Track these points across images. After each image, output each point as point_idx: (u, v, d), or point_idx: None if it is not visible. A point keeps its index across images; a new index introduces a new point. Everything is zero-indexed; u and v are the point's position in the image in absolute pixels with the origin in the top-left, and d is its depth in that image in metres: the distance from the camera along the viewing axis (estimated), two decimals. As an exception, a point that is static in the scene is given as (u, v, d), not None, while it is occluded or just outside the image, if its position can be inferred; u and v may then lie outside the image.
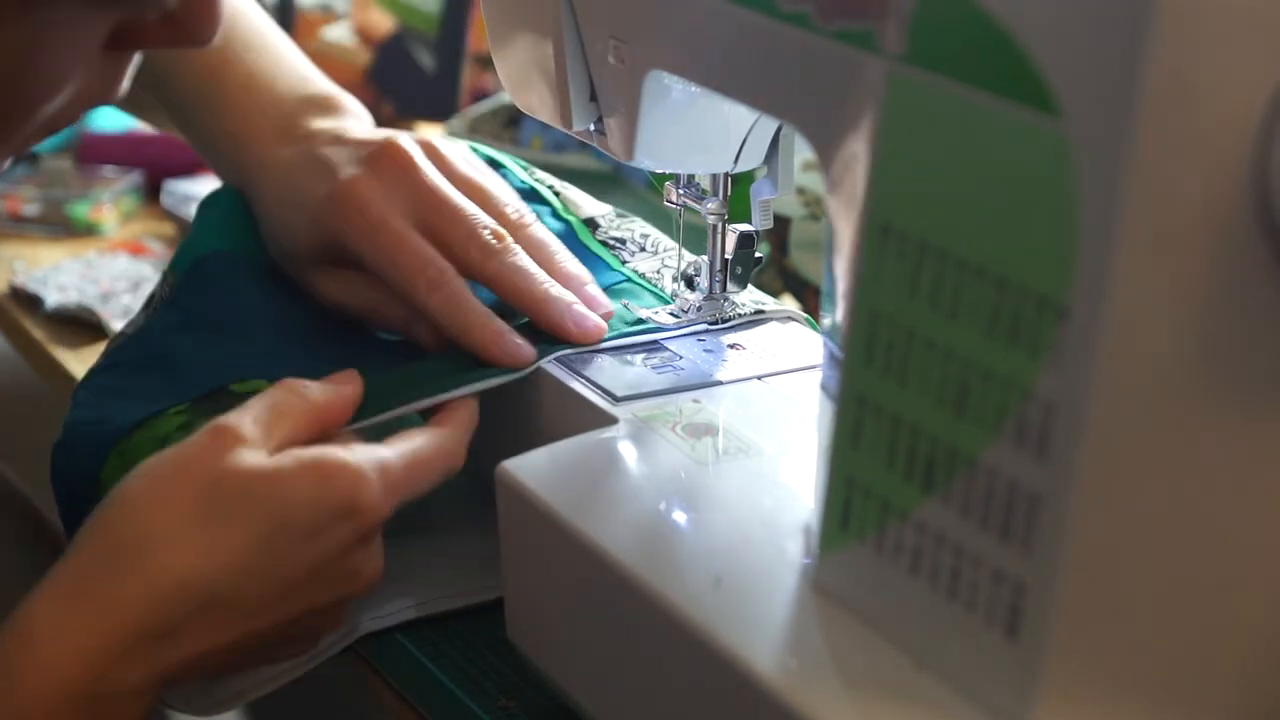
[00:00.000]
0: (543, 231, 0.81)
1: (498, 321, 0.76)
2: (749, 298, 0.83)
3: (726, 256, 0.80)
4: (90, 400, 0.80)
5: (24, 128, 0.62)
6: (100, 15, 0.59)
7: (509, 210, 0.81)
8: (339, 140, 0.82)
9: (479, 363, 0.76)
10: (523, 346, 0.76)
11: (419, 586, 0.79)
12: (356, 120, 0.85)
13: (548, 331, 0.77)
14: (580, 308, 0.78)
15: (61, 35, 0.58)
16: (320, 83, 0.88)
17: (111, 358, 0.83)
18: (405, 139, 0.81)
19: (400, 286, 0.78)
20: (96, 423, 0.77)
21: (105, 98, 0.63)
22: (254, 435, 0.67)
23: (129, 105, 0.92)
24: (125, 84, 0.63)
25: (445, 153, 0.82)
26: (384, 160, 0.79)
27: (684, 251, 0.83)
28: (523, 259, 0.78)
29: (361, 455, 0.68)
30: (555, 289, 0.78)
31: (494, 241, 0.78)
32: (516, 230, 0.79)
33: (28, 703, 0.62)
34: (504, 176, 0.87)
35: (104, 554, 0.65)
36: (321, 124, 0.84)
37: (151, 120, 0.98)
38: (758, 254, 0.81)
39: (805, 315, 0.83)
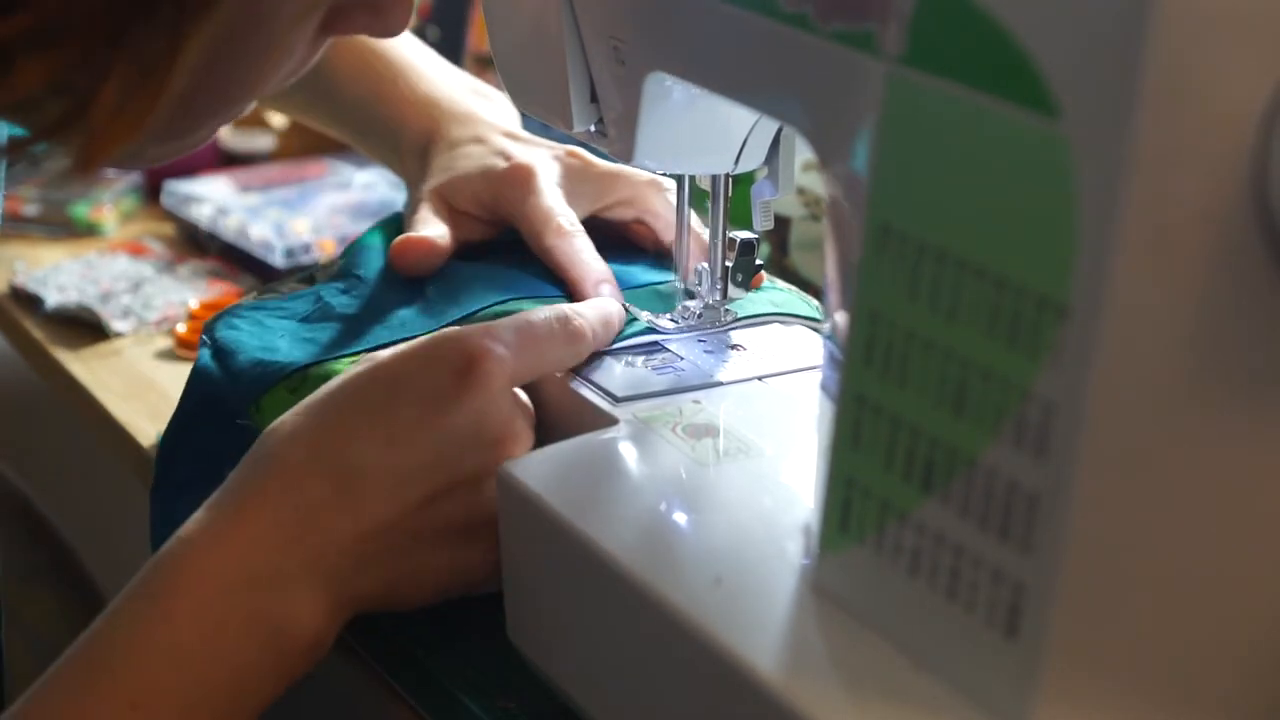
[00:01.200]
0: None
1: (605, 268, 0.83)
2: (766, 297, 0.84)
3: (727, 264, 0.80)
4: (253, 330, 0.82)
5: (242, 106, 0.67)
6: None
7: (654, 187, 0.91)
8: (495, 127, 0.94)
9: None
10: (615, 306, 0.80)
11: None
12: (510, 112, 0.96)
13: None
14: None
15: (292, 17, 0.63)
16: (463, 75, 1.01)
17: (269, 306, 0.86)
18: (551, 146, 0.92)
19: (535, 229, 0.86)
20: (265, 351, 0.80)
21: (291, 79, 0.68)
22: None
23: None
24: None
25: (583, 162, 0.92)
26: (550, 154, 0.91)
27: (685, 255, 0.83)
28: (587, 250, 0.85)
29: (466, 328, 0.72)
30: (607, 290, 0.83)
31: (567, 230, 0.86)
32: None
33: (194, 597, 0.65)
34: None
35: (246, 471, 0.69)
36: (478, 106, 0.96)
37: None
38: (758, 261, 0.81)
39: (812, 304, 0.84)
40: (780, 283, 0.87)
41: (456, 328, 0.73)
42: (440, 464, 0.68)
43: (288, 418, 0.70)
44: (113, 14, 0.56)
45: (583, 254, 0.84)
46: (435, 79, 0.99)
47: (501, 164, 0.89)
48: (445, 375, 0.69)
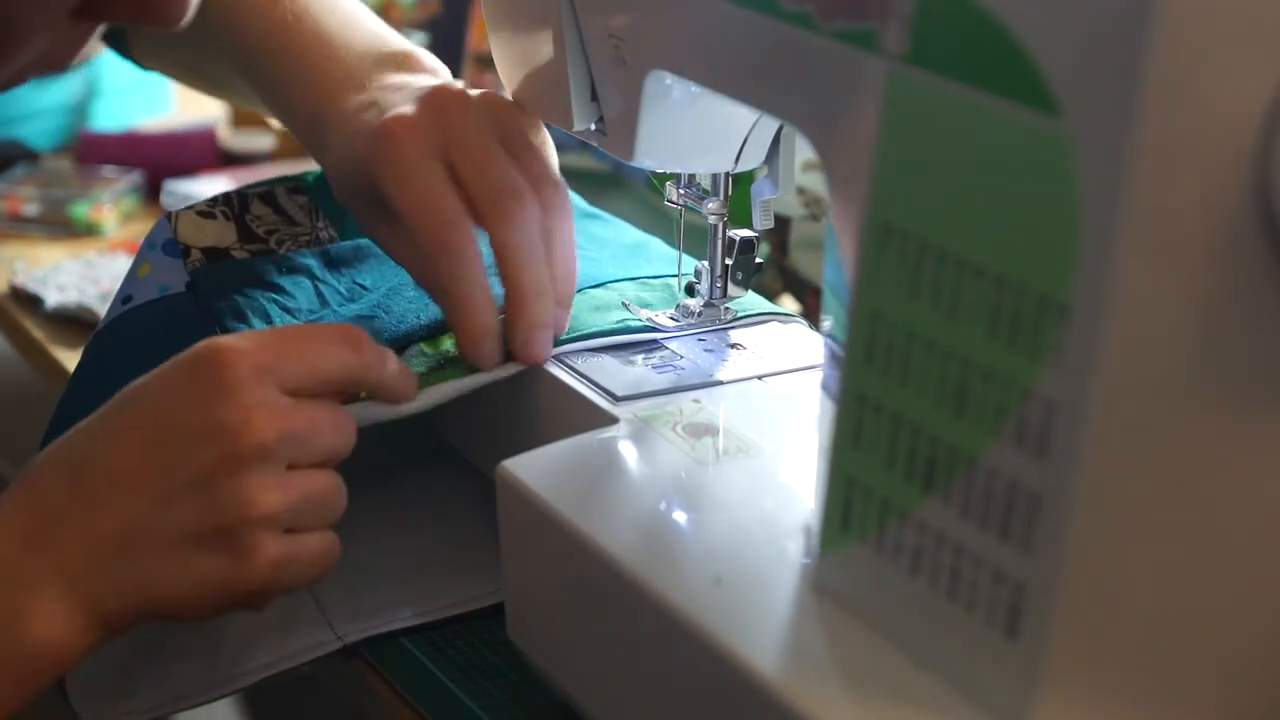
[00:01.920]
0: (565, 217, 0.78)
1: (491, 318, 0.74)
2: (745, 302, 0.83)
3: (727, 262, 0.80)
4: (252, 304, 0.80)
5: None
6: None
7: (547, 178, 0.77)
8: (403, 89, 0.79)
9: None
10: (492, 356, 0.75)
11: (416, 593, 0.78)
12: (433, 77, 0.82)
13: (505, 328, 0.76)
14: (544, 334, 0.76)
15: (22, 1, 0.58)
16: (396, 40, 0.85)
17: (273, 297, 0.82)
18: (462, 85, 0.78)
19: (416, 235, 0.74)
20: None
21: (62, 65, 0.62)
22: None
23: (177, 66, 0.93)
24: (89, 51, 0.62)
25: (504, 106, 0.79)
26: (430, 99, 0.76)
27: (684, 257, 0.83)
28: (531, 241, 0.75)
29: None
30: (540, 296, 0.75)
31: (514, 206, 0.74)
32: (549, 203, 0.76)
33: None
34: None
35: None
36: (395, 78, 0.81)
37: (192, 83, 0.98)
38: (758, 259, 0.81)
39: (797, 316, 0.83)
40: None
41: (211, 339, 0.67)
42: (165, 462, 0.64)
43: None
44: None
45: (467, 290, 0.74)
46: (337, 30, 0.84)
47: (370, 130, 0.76)
48: (181, 370, 0.65)
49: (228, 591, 0.66)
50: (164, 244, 0.84)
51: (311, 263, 0.84)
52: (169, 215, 0.85)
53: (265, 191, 0.87)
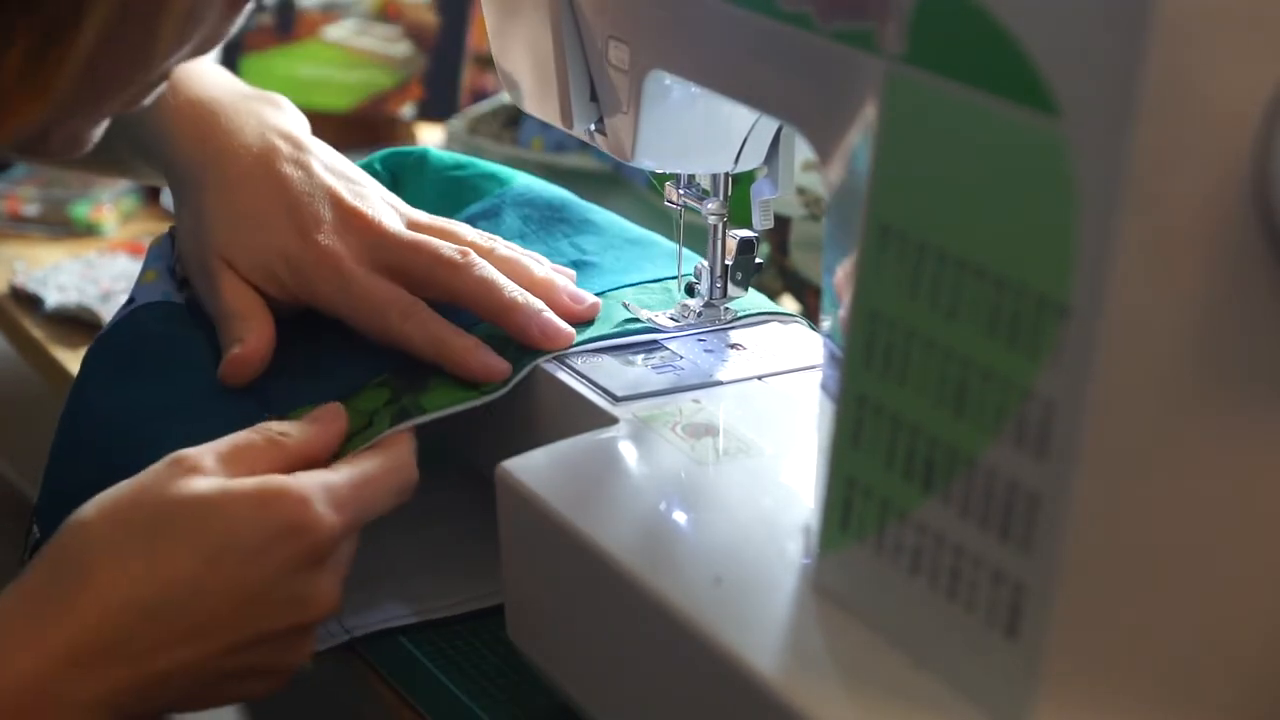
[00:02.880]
0: (512, 249, 0.82)
1: (469, 337, 0.77)
2: (745, 302, 0.83)
3: (727, 262, 0.80)
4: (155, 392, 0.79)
5: (150, 76, 0.64)
6: None
7: (473, 237, 0.81)
8: (305, 168, 0.81)
9: (460, 383, 0.76)
10: (495, 359, 0.76)
11: (416, 592, 0.79)
12: (300, 120, 0.85)
13: (517, 340, 0.77)
14: (548, 315, 0.78)
15: None
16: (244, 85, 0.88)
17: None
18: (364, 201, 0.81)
19: (375, 325, 0.78)
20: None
21: (207, 47, 0.65)
22: (211, 467, 0.68)
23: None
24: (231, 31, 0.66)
25: (397, 203, 0.83)
26: (350, 220, 0.80)
27: (684, 258, 0.83)
28: (488, 271, 0.78)
29: (305, 479, 0.68)
30: (522, 296, 0.78)
31: (459, 258, 0.78)
32: (486, 254, 0.80)
33: None
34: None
35: (57, 570, 0.66)
36: (276, 124, 0.83)
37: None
38: (758, 259, 0.81)
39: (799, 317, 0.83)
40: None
41: (290, 480, 0.68)
42: (248, 620, 0.67)
43: (98, 523, 0.67)
44: None
45: (432, 329, 0.78)
46: (210, 79, 0.86)
47: (291, 237, 0.79)
48: (273, 535, 0.67)
49: (236, 702, 0.72)
50: (169, 267, 0.84)
51: None
52: (172, 237, 0.85)
53: None
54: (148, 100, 0.68)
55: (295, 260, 0.79)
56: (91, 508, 0.67)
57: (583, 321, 0.79)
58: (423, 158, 0.92)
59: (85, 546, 0.66)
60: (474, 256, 0.79)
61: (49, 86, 0.57)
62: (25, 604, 0.65)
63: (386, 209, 0.81)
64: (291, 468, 0.70)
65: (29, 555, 0.76)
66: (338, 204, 0.80)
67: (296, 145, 0.82)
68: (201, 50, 0.65)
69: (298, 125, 0.84)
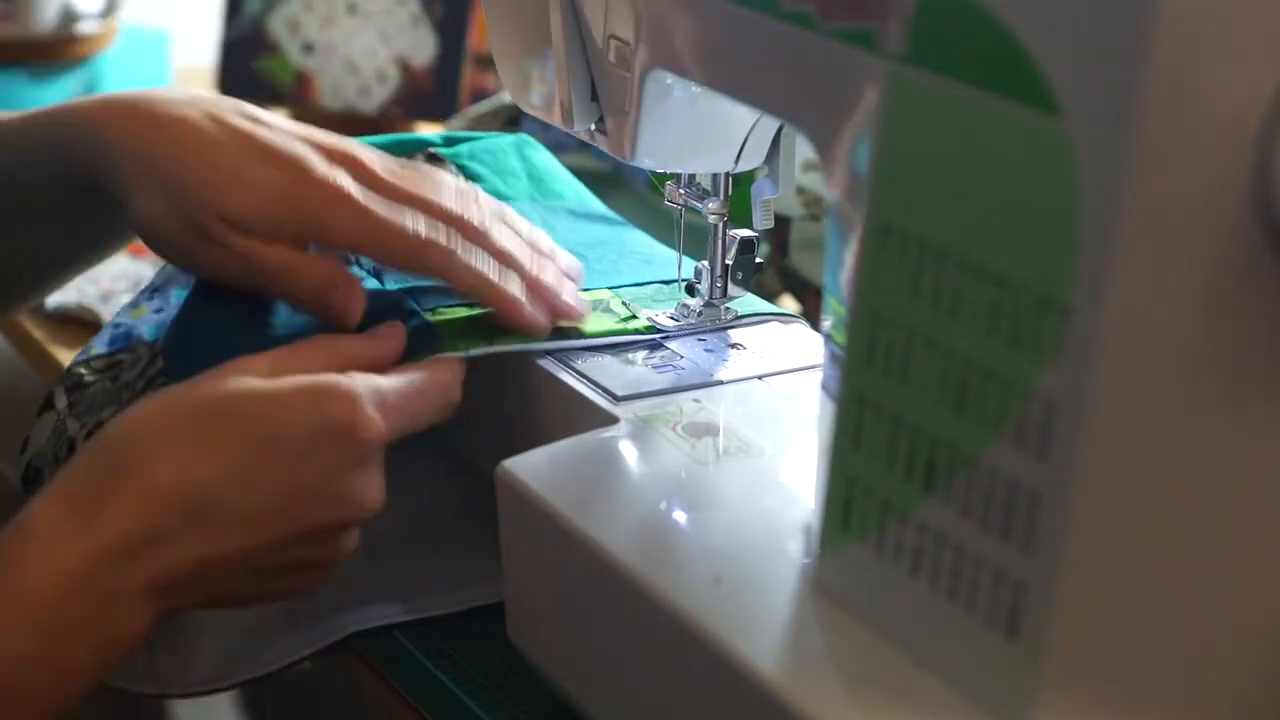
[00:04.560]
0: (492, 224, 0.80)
1: (515, 285, 0.77)
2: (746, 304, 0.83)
3: (727, 262, 0.80)
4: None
5: None
6: None
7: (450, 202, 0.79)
8: (260, 121, 0.79)
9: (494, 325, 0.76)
10: (540, 317, 0.77)
11: (415, 591, 0.79)
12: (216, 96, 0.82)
13: (504, 308, 0.77)
14: (559, 291, 0.78)
15: None
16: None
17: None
18: (343, 141, 0.80)
19: (409, 257, 0.76)
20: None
21: None
22: (264, 367, 0.69)
23: None
24: None
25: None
26: (341, 156, 0.78)
27: (683, 258, 0.83)
28: (505, 243, 0.78)
29: (357, 380, 0.69)
30: (518, 283, 0.77)
31: (433, 249, 0.76)
32: (480, 235, 0.79)
33: (30, 593, 0.63)
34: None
35: (101, 462, 0.66)
36: (208, 96, 0.80)
37: None
38: (758, 259, 0.81)
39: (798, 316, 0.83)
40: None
41: (343, 379, 0.69)
42: (295, 514, 0.68)
43: (148, 418, 0.67)
44: None
45: (483, 267, 0.77)
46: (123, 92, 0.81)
47: (287, 178, 0.76)
48: (322, 431, 0.67)
49: (283, 597, 0.72)
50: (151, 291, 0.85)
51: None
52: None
53: None
54: None
55: (296, 201, 0.76)
56: (141, 405, 0.68)
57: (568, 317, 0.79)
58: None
59: (134, 438, 0.67)
60: (469, 230, 0.77)
61: None
62: (73, 492, 0.66)
63: (364, 148, 0.79)
64: (344, 370, 0.70)
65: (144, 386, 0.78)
66: (314, 144, 0.78)
67: (237, 107, 0.79)
68: None
69: (224, 98, 0.81)
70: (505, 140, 0.93)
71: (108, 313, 1.12)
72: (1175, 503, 0.52)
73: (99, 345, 0.84)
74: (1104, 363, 0.50)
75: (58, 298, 1.14)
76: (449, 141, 0.92)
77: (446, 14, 1.44)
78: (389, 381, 0.70)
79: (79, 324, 1.13)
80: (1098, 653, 0.53)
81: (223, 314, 0.78)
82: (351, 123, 1.43)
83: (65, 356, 1.09)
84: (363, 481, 0.69)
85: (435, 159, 0.90)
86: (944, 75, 0.54)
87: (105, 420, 0.77)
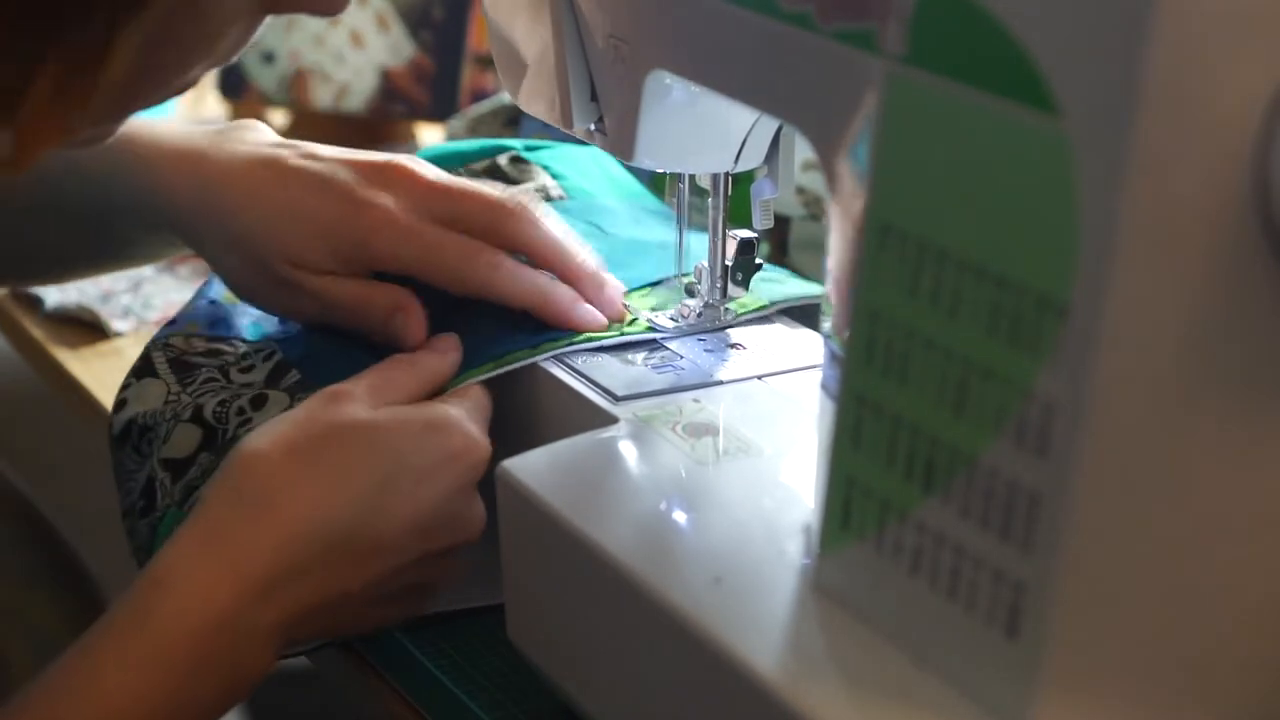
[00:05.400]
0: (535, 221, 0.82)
1: (566, 287, 0.79)
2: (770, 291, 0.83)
3: (727, 262, 0.80)
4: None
5: (179, 87, 0.64)
6: None
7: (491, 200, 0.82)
8: (314, 156, 0.81)
9: (537, 328, 0.78)
10: (595, 313, 0.79)
11: None
12: (271, 132, 0.85)
13: (554, 313, 0.78)
14: (606, 287, 0.80)
15: (232, 5, 0.61)
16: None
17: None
18: (390, 156, 0.82)
19: (456, 275, 0.79)
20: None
21: (227, 59, 0.65)
22: (365, 396, 0.72)
23: None
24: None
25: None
26: (388, 173, 0.80)
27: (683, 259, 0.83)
28: (551, 223, 0.80)
29: (456, 407, 0.73)
30: (585, 262, 0.80)
31: (514, 205, 0.80)
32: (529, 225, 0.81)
33: (165, 643, 0.65)
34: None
35: (234, 504, 0.68)
36: (263, 140, 0.83)
37: None
38: (758, 259, 0.81)
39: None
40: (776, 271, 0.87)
41: (450, 408, 0.72)
42: (416, 540, 0.70)
43: (272, 453, 0.69)
44: (46, 8, 0.55)
45: (531, 276, 0.79)
46: (176, 131, 0.84)
47: (335, 207, 0.79)
48: (439, 460, 0.71)
49: (396, 620, 0.75)
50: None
51: None
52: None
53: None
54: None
55: (350, 229, 0.79)
56: (261, 439, 0.70)
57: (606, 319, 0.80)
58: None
59: (260, 480, 0.68)
60: (528, 213, 0.80)
61: (74, 113, 0.58)
62: (209, 536, 0.67)
63: (415, 160, 0.82)
64: (425, 395, 0.74)
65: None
66: (365, 167, 0.81)
67: (292, 146, 0.83)
68: (222, 62, 0.65)
69: (282, 138, 0.85)
70: (579, 148, 0.94)
71: (108, 313, 1.12)
72: (1174, 502, 0.52)
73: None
74: (1103, 363, 0.50)
75: (58, 298, 1.14)
76: (529, 149, 0.94)
77: (447, 14, 1.44)
78: (473, 403, 0.74)
79: (79, 324, 1.13)
80: (1098, 653, 0.53)
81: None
82: (349, 124, 1.43)
83: (65, 356, 1.09)
84: (471, 501, 0.72)
85: (519, 161, 0.91)
86: (943, 75, 0.54)
87: (209, 408, 0.78)
